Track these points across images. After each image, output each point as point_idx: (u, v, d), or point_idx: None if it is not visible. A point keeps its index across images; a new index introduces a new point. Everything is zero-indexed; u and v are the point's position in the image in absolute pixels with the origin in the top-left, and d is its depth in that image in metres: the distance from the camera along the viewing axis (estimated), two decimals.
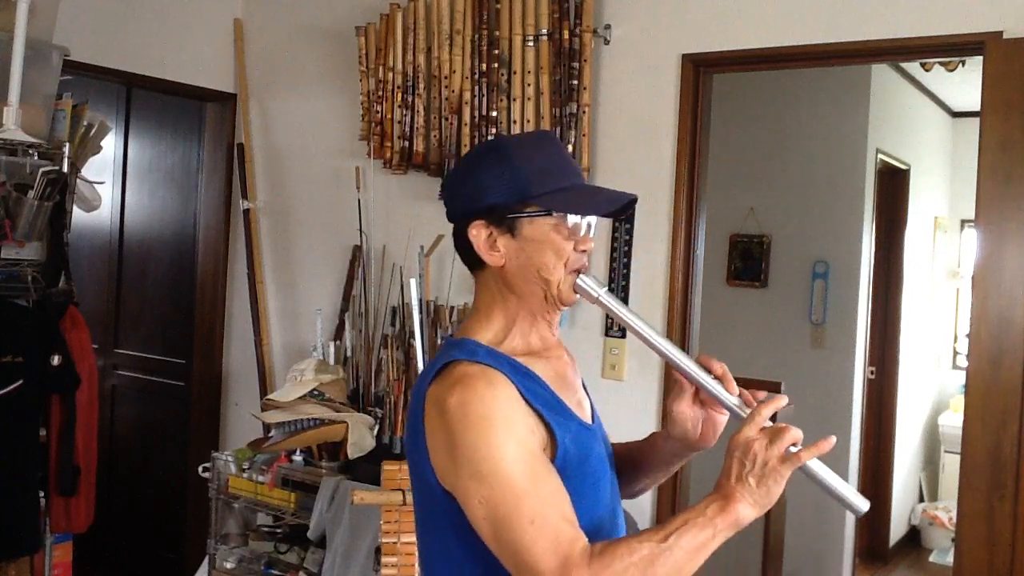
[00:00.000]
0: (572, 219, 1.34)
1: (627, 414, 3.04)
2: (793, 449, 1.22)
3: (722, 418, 1.41)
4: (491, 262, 1.37)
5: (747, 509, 1.20)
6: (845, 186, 4.78)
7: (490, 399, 1.25)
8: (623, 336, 3.08)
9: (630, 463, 1.54)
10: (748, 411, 1.29)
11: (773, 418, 1.27)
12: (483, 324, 1.39)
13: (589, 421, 1.44)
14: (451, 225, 1.42)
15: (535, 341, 1.40)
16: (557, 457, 1.30)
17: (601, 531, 1.36)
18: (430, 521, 1.35)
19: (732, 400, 1.32)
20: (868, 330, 4.96)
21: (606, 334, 3.12)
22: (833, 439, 1.21)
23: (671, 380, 3.00)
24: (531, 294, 1.37)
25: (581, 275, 1.36)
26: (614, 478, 1.47)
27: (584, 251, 1.37)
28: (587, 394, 1.51)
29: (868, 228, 4.82)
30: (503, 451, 1.23)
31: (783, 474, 1.20)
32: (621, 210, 1.40)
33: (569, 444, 1.32)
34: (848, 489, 1.24)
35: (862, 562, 4.99)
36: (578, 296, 1.37)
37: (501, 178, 1.34)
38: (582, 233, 1.36)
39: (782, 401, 1.25)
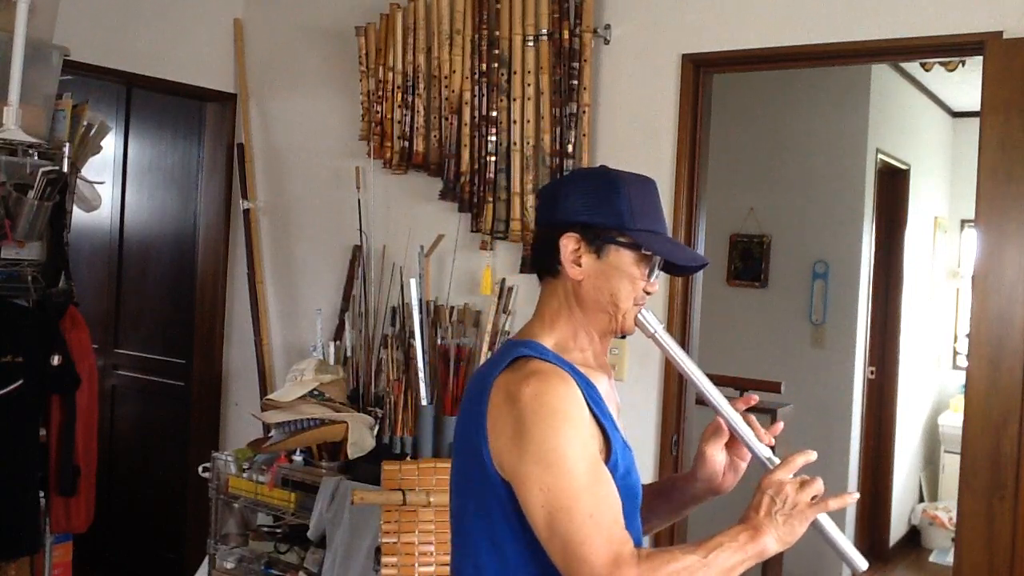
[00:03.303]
0: (654, 260, 1.44)
1: (627, 414, 2.99)
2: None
3: (743, 465, 1.54)
4: (572, 275, 1.44)
5: (772, 542, 1.33)
6: (845, 186, 4.79)
7: (563, 395, 1.33)
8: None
9: (645, 503, 1.58)
10: (777, 461, 1.41)
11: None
12: (546, 330, 1.47)
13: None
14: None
15: (590, 357, 1.48)
16: (608, 465, 1.37)
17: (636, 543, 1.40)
18: (482, 509, 1.39)
19: (764, 451, 1.44)
20: (868, 330, 4.96)
21: None
22: (857, 494, 1.40)
23: (671, 382, 3.00)
24: (598, 314, 1.46)
25: (643, 310, 1.46)
26: None
27: (649, 293, 1.46)
28: None
29: (868, 228, 4.82)
30: (571, 445, 1.30)
31: (808, 517, 1.34)
32: (696, 268, 1.54)
33: (619, 456, 1.39)
34: (849, 546, 1.39)
35: None
36: (636, 328, 1.48)
37: (606, 202, 1.43)
38: (652, 277, 1.46)
39: (812, 455, 1.38)
